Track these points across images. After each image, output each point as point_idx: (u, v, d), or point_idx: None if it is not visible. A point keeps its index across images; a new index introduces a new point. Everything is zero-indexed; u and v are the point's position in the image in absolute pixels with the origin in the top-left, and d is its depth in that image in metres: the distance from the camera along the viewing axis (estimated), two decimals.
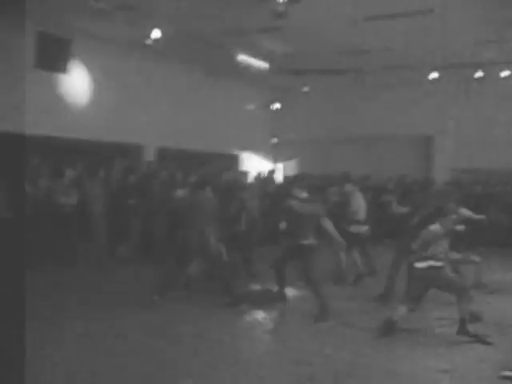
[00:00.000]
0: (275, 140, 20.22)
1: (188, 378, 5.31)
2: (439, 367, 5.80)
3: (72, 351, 5.95)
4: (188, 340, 6.47)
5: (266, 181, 15.57)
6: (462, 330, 6.75)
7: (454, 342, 6.73)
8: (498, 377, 5.56)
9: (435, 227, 7.00)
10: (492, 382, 5.48)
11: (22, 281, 7.83)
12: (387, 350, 6.36)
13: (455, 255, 8.22)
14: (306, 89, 17.24)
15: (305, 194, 8.03)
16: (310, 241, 7.70)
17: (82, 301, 8.04)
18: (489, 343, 6.56)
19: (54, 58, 12.00)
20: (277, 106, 18.62)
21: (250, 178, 15.77)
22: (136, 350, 6.07)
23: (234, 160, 18.07)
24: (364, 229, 9.92)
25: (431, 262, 6.85)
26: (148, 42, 11.30)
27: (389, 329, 7.04)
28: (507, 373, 5.59)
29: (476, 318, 7.51)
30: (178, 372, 5.47)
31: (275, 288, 8.53)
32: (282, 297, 8.43)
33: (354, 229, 9.71)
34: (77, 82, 12.75)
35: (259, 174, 16.30)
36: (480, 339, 6.66)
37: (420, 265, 6.93)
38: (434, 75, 14.70)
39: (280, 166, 19.84)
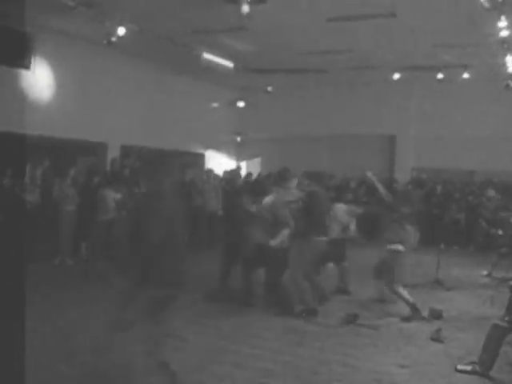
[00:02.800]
0: (239, 138, 20.27)
1: None
2: (398, 362, 5.96)
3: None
4: None
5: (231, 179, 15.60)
6: None
7: (411, 337, 6.91)
8: (455, 371, 5.74)
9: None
10: (449, 375, 5.65)
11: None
12: (348, 346, 6.49)
13: None
14: (269, 88, 17.34)
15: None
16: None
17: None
18: (441, 341, 6.76)
19: (16, 53, 11.81)
20: (241, 104, 18.65)
21: (214, 177, 15.78)
22: None
23: (198, 158, 18.07)
24: None
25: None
26: (113, 39, 11.22)
27: (351, 321, 7.31)
28: (463, 367, 5.78)
29: (437, 315, 7.73)
30: None
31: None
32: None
33: None
34: (40, 79, 12.59)
35: (224, 173, 16.34)
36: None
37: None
38: (396, 76, 14.93)
39: (243, 165, 19.90)
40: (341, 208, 9.11)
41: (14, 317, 6.45)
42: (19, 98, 11.99)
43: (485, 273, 10.89)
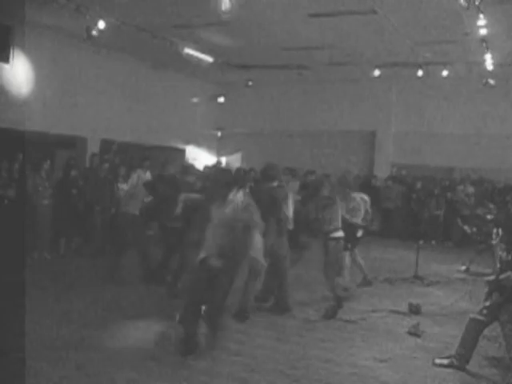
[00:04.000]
0: (219, 133, 20.24)
1: None
2: (377, 356, 6.00)
3: None
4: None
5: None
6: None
7: (389, 332, 6.97)
8: (433, 364, 5.80)
9: None
10: (427, 369, 5.71)
11: None
12: (327, 341, 6.52)
13: None
14: (250, 83, 17.32)
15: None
16: None
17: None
18: (418, 336, 6.82)
19: None
20: (221, 99, 18.62)
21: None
22: None
23: (178, 153, 17.99)
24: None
25: None
26: (93, 33, 11.13)
27: (331, 316, 7.39)
28: (441, 360, 5.84)
29: (415, 310, 7.80)
30: None
31: None
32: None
33: None
34: (20, 72, 12.45)
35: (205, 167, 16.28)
36: None
37: None
38: (376, 73, 14.99)
39: (224, 160, 19.86)
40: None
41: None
42: None
43: (463, 268, 11.01)
